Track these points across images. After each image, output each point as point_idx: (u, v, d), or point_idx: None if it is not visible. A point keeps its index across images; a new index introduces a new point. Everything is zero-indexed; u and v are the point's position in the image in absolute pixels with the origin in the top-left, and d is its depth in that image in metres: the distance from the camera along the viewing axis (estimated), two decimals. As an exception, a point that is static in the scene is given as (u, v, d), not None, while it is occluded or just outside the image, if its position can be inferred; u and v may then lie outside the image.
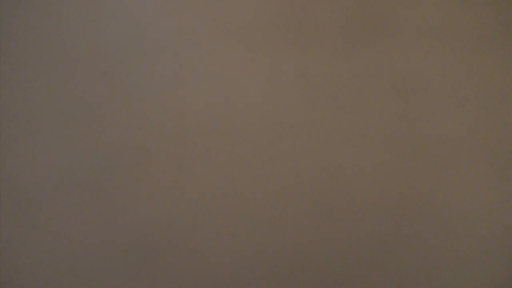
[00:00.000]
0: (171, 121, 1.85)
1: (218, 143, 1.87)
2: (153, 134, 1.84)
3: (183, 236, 1.84)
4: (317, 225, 1.89)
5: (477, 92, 1.95)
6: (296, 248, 1.88)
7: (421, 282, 1.90)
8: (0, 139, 1.79)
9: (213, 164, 1.86)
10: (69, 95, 1.82)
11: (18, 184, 1.78)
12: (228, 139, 1.87)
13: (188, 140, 1.86)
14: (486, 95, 1.95)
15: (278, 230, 1.88)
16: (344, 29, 1.94)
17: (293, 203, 1.88)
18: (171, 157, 1.84)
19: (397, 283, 1.90)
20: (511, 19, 1.97)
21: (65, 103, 1.82)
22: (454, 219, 1.91)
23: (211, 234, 1.85)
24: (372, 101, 1.93)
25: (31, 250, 1.77)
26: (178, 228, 1.84)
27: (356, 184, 1.90)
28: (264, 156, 1.88)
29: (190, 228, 1.84)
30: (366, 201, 1.90)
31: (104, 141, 1.82)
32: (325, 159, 1.90)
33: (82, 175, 1.81)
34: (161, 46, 1.87)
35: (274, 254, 1.87)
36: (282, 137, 1.89)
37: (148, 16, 1.87)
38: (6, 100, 1.80)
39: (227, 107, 1.88)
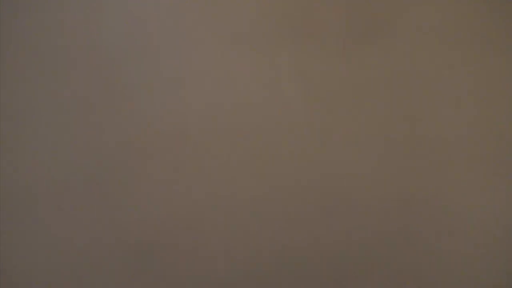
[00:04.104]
0: (171, 121, 1.85)
1: (218, 143, 1.87)
2: (153, 134, 1.84)
3: (183, 236, 1.84)
4: (317, 224, 1.89)
5: (477, 92, 1.95)
6: (295, 248, 1.88)
7: (421, 282, 1.90)
8: (0, 139, 1.79)
9: (213, 164, 1.86)
10: (68, 95, 1.82)
11: (18, 184, 1.78)
12: (228, 139, 1.87)
13: (188, 140, 1.86)
14: (486, 95, 1.95)
15: (278, 230, 1.88)
16: (345, 29, 1.94)
17: (292, 202, 1.88)
18: (171, 157, 1.84)
19: (397, 282, 1.90)
20: (511, 19, 1.97)
21: (64, 103, 1.82)
22: (454, 219, 1.91)
23: (211, 235, 1.85)
24: (373, 101, 1.93)
25: (31, 250, 1.77)
26: (178, 228, 1.84)
27: (356, 184, 1.91)
28: (264, 155, 1.88)
29: (190, 228, 1.84)
30: (366, 200, 1.90)
31: (104, 141, 1.82)
32: (325, 158, 1.90)
33: (81, 175, 1.81)
34: (161, 46, 1.87)
35: (274, 254, 1.87)
36: (282, 137, 1.89)
37: (148, 16, 1.87)
38: (6, 100, 1.80)
39: (227, 107, 1.88)
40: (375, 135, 1.92)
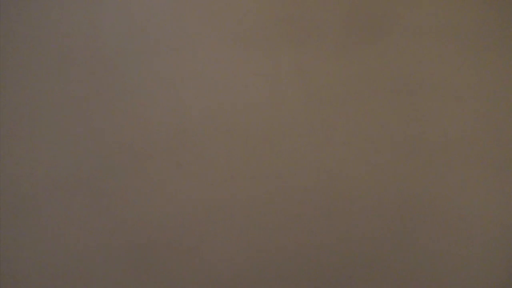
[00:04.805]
0: (170, 121, 1.85)
1: (218, 143, 1.87)
2: (153, 134, 1.84)
3: (183, 237, 1.83)
4: (317, 225, 1.89)
5: (477, 92, 1.95)
6: (295, 248, 1.88)
7: (421, 282, 1.90)
8: (0, 139, 1.78)
9: (213, 164, 1.86)
10: (69, 95, 1.82)
11: (18, 184, 1.78)
12: (228, 139, 1.87)
13: (188, 140, 1.86)
14: (486, 95, 1.95)
15: (278, 230, 1.88)
16: (344, 29, 1.94)
17: (292, 202, 1.88)
18: (171, 157, 1.84)
19: (397, 282, 1.90)
20: (511, 19, 1.98)
21: (65, 103, 1.82)
22: (454, 219, 1.92)
23: (211, 235, 1.85)
24: (372, 101, 1.93)
25: (31, 250, 1.77)
26: (178, 229, 1.84)
27: (356, 184, 1.91)
28: (264, 155, 1.88)
29: (190, 228, 1.84)
30: (366, 200, 1.90)
31: (104, 141, 1.82)
32: (325, 159, 1.90)
33: (81, 175, 1.81)
34: (161, 46, 1.87)
35: (274, 254, 1.87)
36: (282, 137, 1.89)
37: (148, 16, 1.87)
38: (6, 100, 1.80)
39: (227, 107, 1.88)
40: (375, 135, 1.92)
